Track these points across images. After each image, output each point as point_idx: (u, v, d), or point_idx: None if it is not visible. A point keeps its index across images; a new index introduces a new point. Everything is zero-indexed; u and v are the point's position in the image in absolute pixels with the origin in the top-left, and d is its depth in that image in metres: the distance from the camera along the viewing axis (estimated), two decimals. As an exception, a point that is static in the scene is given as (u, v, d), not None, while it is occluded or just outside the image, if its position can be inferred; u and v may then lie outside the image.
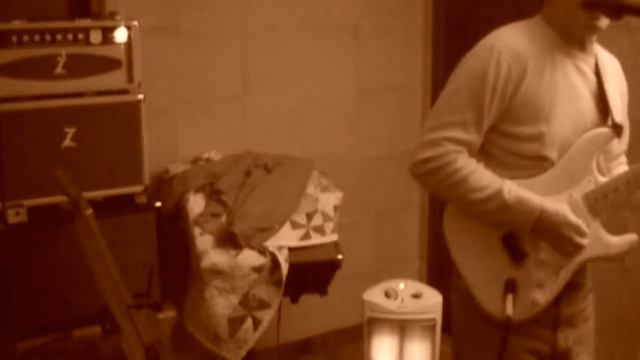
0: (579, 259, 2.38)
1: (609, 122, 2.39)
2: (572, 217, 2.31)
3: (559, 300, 2.43)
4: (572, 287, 2.45)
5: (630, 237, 2.42)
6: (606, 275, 2.89)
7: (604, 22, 2.31)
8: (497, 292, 2.34)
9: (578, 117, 2.35)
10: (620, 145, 2.51)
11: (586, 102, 2.37)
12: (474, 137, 2.34)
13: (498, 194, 2.30)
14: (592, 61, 2.41)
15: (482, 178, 2.33)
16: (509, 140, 2.35)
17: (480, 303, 2.40)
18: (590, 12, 2.27)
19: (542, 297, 2.37)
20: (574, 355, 2.53)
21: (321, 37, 4.52)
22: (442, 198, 2.48)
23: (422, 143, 2.37)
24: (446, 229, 2.48)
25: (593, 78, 2.39)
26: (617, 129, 2.38)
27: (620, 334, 3.73)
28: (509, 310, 2.28)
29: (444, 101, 2.39)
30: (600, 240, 2.39)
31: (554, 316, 2.45)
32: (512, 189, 2.31)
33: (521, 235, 2.37)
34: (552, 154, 2.33)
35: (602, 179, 2.38)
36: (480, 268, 2.41)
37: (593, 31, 2.36)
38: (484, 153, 2.40)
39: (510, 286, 2.32)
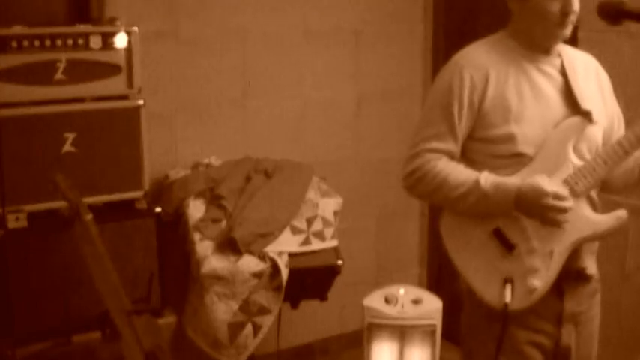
0: (569, 239, 2.48)
1: (582, 111, 2.52)
2: (548, 186, 2.43)
3: (562, 294, 2.55)
4: (573, 278, 2.56)
5: (618, 213, 2.51)
6: (606, 280, 2.91)
7: (568, 30, 2.52)
8: (496, 285, 2.48)
9: (548, 113, 2.52)
10: (616, 132, 2.66)
11: (553, 99, 2.54)
12: (451, 146, 2.56)
13: (476, 186, 2.48)
14: (557, 62, 2.59)
15: (460, 175, 2.52)
16: (486, 144, 2.54)
17: (481, 297, 2.52)
18: (563, 24, 2.49)
19: (538, 282, 2.47)
20: (576, 353, 2.62)
21: (321, 42, 4.52)
22: (434, 204, 2.69)
23: (406, 158, 2.65)
24: (443, 234, 2.62)
25: (559, 77, 2.57)
26: (587, 116, 2.50)
27: (620, 339, 3.73)
28: (508, 297, 2.42)
29: (422, 118, 2.67)
30: (586, 219, 2.50)
31: (558, 311, 2.56)
32: (489, 178, 2.48)
33: (508, 227, 2.51)
34: (527, 150, 2.49)
35: (580, 164, 2.50)
36: (477, 265, 2.54)
37: (560, 41, 2.56)
38: (468, 161, 2.59)
39: (508, 278, 2.46)
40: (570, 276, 2.54)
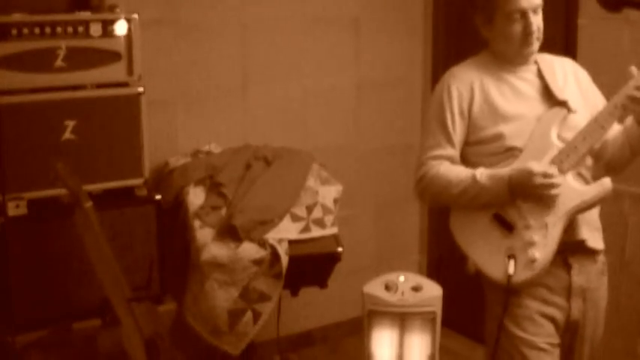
0: (560, 211, 2.74)
1: (559, 102, 2.83)
2: (536, 167, 2.71)
3: (569, 269, 2.83)
4: (576, 251, 2.83)
5: (602, 181, 2.75)
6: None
7: (536, 46, 2.86)
8: (501, 263, 2.77)
9: (530, 110, 2.85)
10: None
11: (533, 98, 2.88)
12: (450, 151, 2.90)
13: (474, 181, 2.80)
14: (534, 68, 2.93)
15: (459, 175, 2.85)
16: (480, 145, 2.89)
17: (490, 276, 2.82)
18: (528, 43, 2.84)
19: (538, 253, 2.74)
20: (584, 331, 2.91)
21: (322, 29, 4.52)
22: (443, 204, 2.98)
23: (415, 169, 2.98)
24: (452, 230, 2.93)
25: (536, 79, 2.91)
26: (564, 105, 2.81)
27: (619, 327, 3.74)
28: (511, 270, 2.73)
29: (423, 132, 3.07)
30: (574, 190, 2.75)
31: (567, 285, 2.84)
32: (484, 172, 2.81)
33: (505, 210, 2.80)
34: (517, 142, 2.82)
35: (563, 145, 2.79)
36: (483, 249, 2.84)
37: (531, 56, 2.91)
38: (468, 163, 2.91)
39: (511, 255, 2.76)
40: (572, 248, 2.81)
